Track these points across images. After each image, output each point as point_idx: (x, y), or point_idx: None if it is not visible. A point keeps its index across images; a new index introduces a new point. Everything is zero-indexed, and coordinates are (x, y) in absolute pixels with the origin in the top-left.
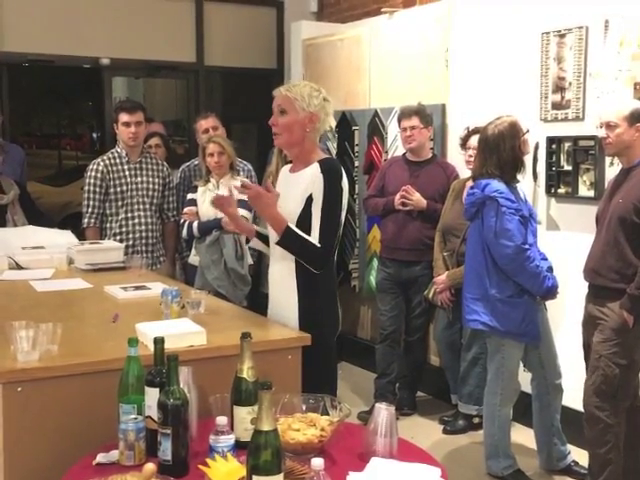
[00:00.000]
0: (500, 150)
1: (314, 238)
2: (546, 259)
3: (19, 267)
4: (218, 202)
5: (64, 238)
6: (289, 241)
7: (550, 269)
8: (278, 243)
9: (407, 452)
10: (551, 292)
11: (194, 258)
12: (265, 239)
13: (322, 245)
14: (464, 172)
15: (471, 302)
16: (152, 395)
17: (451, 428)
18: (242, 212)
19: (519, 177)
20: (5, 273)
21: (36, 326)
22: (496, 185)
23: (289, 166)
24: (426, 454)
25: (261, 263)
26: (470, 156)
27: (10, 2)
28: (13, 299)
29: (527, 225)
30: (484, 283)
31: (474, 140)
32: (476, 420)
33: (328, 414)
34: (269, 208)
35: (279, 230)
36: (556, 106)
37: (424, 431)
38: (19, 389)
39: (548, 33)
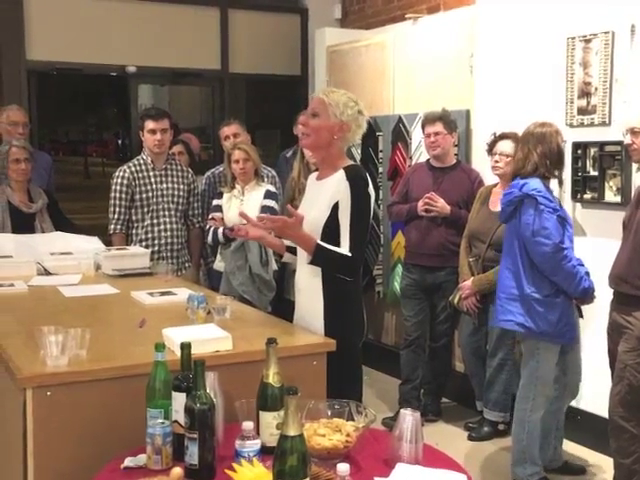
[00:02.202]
0: (546, 142)
1: (344, 247)
2: (582, 265)
3: (47, 273)
4: (238, 234)
5: (91, 244)
6: (321, 258)
7: (587, 274)
8: (311, 263)
9: (432, 458)
10: (587, 294)
11: (219, 264)
12: (296, 252)
13: (353, 254)
14: (489, 178)
15: (505, 302)
16: (179, 400)
17: (476, 435)
18: (268, 202)
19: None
20: (34, 279)
21: (65, 331)
22: (534, 184)
23: (316, 174)
24: (452, 460)
25: (285, 269)
26: (496, 162)
27: (38, 12)
28: (42, 304)
29: (564, 227)
30: (520, 283)
31: (501, 146)
32: (501, 427)
33: (353, 420)
34: (296, 232)
35: (309, 250)
36: (582, 111)
37: (449, 438)
38: (48, 393)
39: (574, 38)
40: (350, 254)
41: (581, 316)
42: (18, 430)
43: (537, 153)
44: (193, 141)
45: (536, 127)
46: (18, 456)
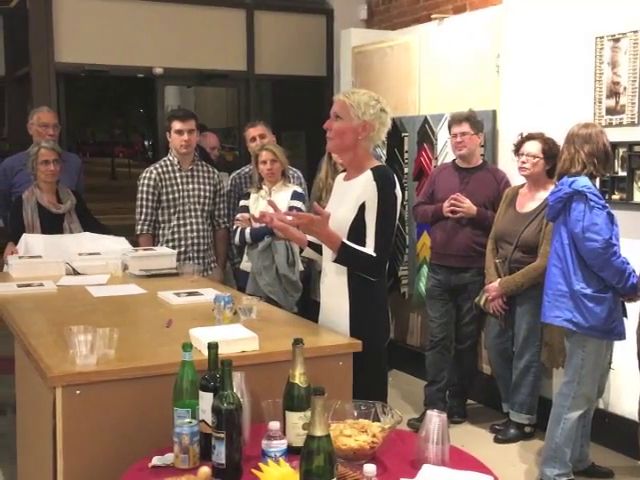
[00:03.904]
0: (592, 142)
1: (369, 247)
2: (628, 263)
3: (76, 273)
4: (262, 220)
5: (119, 245)
6: (345, 257)
7: (634, 271)
8: (335, 260)
9: (459, 460)
10: (635, 290)
11: (246, 264)
12: (317, 247)
13: (377, 254)
14: (515, 179)
15: (553, 299)
16: (206, 399)
17: (502, 437)
18: (295, 203)
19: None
20: (63, 279)
21: (94, 331)
22: (584, 181)
23: (343, 174)
24: (478, 462)
25: (312, 270)
26: (523, 162)
27: (66, 15)
28: (71, 304)
29: (613, 223)
30: (569, 279)
31: (527, 146)
32: (528, 429)
33: (379, 420)
34: (322, 230)
35: (335, 248)
36: (610, 111)
37: (475, 439)
38: (78, 392)
39: (602, 37)
40: (375, 254)
41: (625, 315)
42: (48, 428)
43: (584, 152)
44: (209, 138)
45: (580, 128)
46: (48, 454)
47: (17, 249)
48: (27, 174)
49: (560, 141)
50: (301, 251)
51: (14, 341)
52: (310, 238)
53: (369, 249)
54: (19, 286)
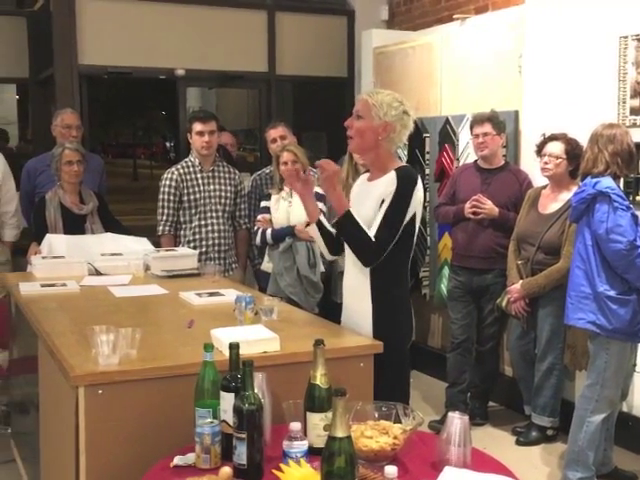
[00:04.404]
0: (617, 142)
1: (371, 231)
2: None
3: (98, 273)
4: (288, 173)
5: (141, 245)
6: (346, 224)
7: None
8: (336, 222)
9: (481, 462)
10: None
11: (267, 265)
12: (324, 233)
13: (376, 241)
14: (538, 179)
15: (576, 300)
16: (228, 400)
17: (524, 439)
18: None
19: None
20: (85, 279)
21: (116, 331)
22: (607, 182)
23: (367, 175)
24: (500, 464)
25: (332, 271)
26: (546, 163)
27: (89, 17)
28: (93, 304)
29: (637, 225)
30: (592, 281)
31: (550, 147)
32: (550, 432)
33: (400, 422)
34: (337, 187)
35: (341, 210)
36: (635, 111)
37: (496, 442)
38: (100, 392)
39: (626, 37)
40: (373, 239)
41: None
42: (71, 427)
43: (608, 152)
44: (224, 137)
45: (604, 128)
46: (70, 452)
47: (40, 249)
48: (50, 175)
49: (583, 142)
50: (307, 224)
51: (37, 340)
52: (322, 219)
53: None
54: (42, 286)
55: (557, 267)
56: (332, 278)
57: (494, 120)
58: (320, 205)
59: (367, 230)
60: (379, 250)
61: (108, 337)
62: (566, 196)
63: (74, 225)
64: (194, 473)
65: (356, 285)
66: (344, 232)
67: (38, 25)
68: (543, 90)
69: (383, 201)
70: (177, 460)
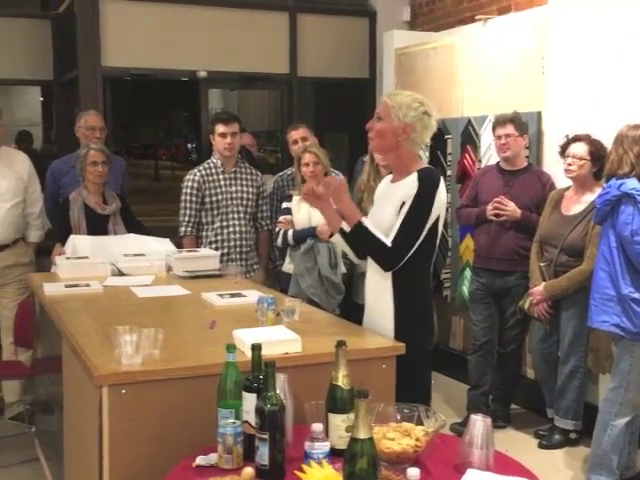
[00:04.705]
0: None
1: (389, 237)
2: None
3: (121, 273)
4: (306, 195)
5: (163, 246)
6: (358, 234)
7: None
8: (348, 233)
9: (503, 465)
10: None
11: (288, 266)
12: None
13: (393, 245)
14: (561, 181)
15: (600, 303)
16: (250, 400)
17: (547, 442)
18: None
19: None
20: (108, 279)
21: (139, 331)
22: (632, 183)
23: (390, 177)
24: (523, 468)
25: (354, 272)
26: (569, 164)
27: (112, 20)
28: (116, 304)
29: None
30: (617, 283)
31: (573, 148)
32: (573, 435)
33: (422, 424)
34: (348, 199)
35: (353, 221)
36: None
37: (518, 445)
38: (123, 391)
39: None
40: (389, 244)
41: None
42: (94, 426)
43: (633, 153)
44: (244, 138)
45: (630, 129)
46: (94, 451)
47: (64, 250)
48: (75, 176)
49: (607, 143)
50: (331, 235)
51: (61, 340)
52: (344, 226)
53: (387, 239)
54: (66, 286)
55: (580, 269)
56: (353, 279)
57: (517, 121)
58: None
59: (382, 237)
60: (397, 256)
61: (131, 337)
62: (589, 198)
63: (97, 225)
64: (216, 473)
65: (377, 286)
66: (357, 243)
67: (62, 28)
68: (566, 91)
69: (404, 204)
70: (199, 460)
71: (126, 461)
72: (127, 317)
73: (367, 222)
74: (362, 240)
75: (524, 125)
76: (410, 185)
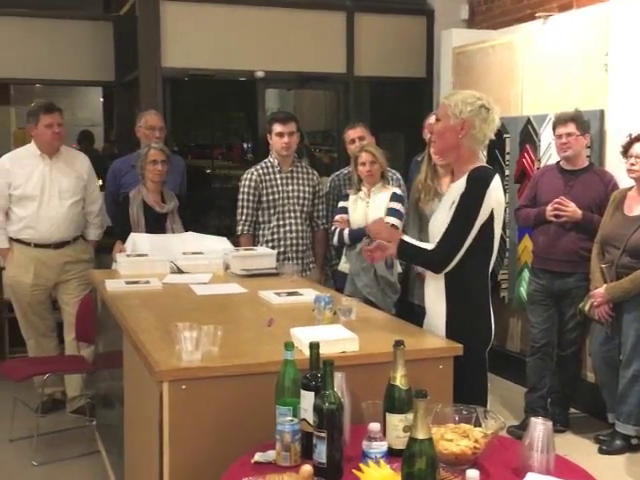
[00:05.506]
0: None
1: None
2: None
3: (180, 271)
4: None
5: (221, 244)
6: (403, 252)
7: None
8: (397, 255)
9: (565, 469)
10: None
11: (344, 265)
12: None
13: (437, 248)
14: (623, 181)
15: None
16: (308, 398)
17: (607, 448)
18: (392, 220)
19: None
20: (168, 277)
21: (199, 328)
22: None
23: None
24: (585, 472)
25: (410, 272)
26: (632, 164)
27: (172, 21)
28: (176, 301)
29: None
30: None
31: (637, 148)
32: (635, 441)
33: (480, 426)
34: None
35: (395, 242)
36: None
37: (578, 450)
38: (183, 387)
39: None
40: (430, 249)
41: None
42: (154, 421)
43: None
44: None
45: None
46: (154, 446)
47: (125, 247)
48: (135, 175)
49: None
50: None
51: (122, 336)
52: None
53: (431, 244)
54: (127, 283)
55: None
56: (409, 279)
57: (578, 120)
58: (398, 206)
59: (422, 245)
60: (442, 260)
61: (191, 334)
62: None
63: (155, 223)
64: (274, 470)
65: (433, 287)
66: (406, 259)
67: (124, 29)
68: (630, 89)
69: (453, 204)
70: (258, 457)
71: (186, 455)
72: (186, 314)
73: (407, 237)
74: (408, 254)
75: (586, 124)
76: (461, 185)
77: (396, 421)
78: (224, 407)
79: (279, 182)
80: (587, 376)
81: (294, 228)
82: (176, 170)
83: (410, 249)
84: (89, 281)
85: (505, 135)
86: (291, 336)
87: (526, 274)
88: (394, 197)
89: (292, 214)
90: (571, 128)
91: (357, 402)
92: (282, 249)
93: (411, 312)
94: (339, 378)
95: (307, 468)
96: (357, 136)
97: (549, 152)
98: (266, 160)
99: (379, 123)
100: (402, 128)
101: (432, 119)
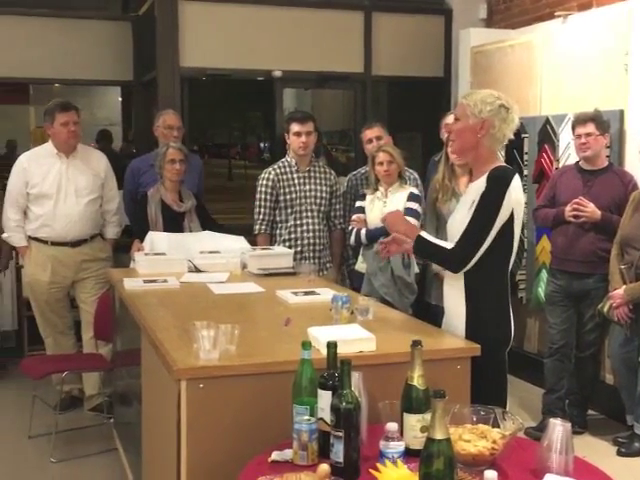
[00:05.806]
0: None
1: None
2: None
3: (197, 270)
4: (389, 219)
5: (238, 244)
6: (419, 248)
7: None
8: (413, 249)
9: (584, 471)
10: None
11: (361, 265)
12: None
13: (456, 247)
14: None
15: None
16: (325, 398)
17: (626, 450)
18: (410, 220)
19: None
20: (185, 275)
21: (216, 326)
22: None
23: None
24: (604, 474)
25: (427, 272)
26: None
27: (190, 21)
28: (193, 300)
29: None
30: None
31: None
32: None
33: (499, 427)
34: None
35: (413, 237)
36: None
37: (596, 452)
38: (201, 385)
39: None
40: (449, 248)
41: None
42: (172, 419)
43: None
44: None
45: None
46: (172, 443)
47: (143, 246)
48: (153, 174)
49: None
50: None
51: (140, 334)
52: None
53: (451, 243)
54: (145, 282)
55: None
56: (426, 279)
57: (598, 120)
58: (415, 205)
59: (441, 243)
60: (461, 259)
61: (209, 333)
62: None
63: (173, 222)
64: (291, 469)
65: (452, 287)
66: (423, 255)
67: (142, 29)
68: None
69: (473, 204)
70: (275, 456)
71: (203, 454)
72: (204, 313)
73: (425, 234)
74: (425, 251)
75: (605, 124)
76: (481, 185)
77: (413, 421)
78: (241, 406)
79: (296, 182)
80: (606, 378)
81: (311, 227)
82: (194, 169)
83: (428, 246)
84: (107, 279)
85: (523, 135)
86: (308, 335)
87: (544, 275)
88: (411, 197)
89: (309, 214)
90: (590, 128)
91: (374, 402)
92: (299, 248)
93: (428, 312)
94: (356, 378)
95: (324, 467)
96: (374, 136)
97: (568, 152)
98: (283, 160)
99: (396, 123)
100: (420, 128)
101: (450, 119)
